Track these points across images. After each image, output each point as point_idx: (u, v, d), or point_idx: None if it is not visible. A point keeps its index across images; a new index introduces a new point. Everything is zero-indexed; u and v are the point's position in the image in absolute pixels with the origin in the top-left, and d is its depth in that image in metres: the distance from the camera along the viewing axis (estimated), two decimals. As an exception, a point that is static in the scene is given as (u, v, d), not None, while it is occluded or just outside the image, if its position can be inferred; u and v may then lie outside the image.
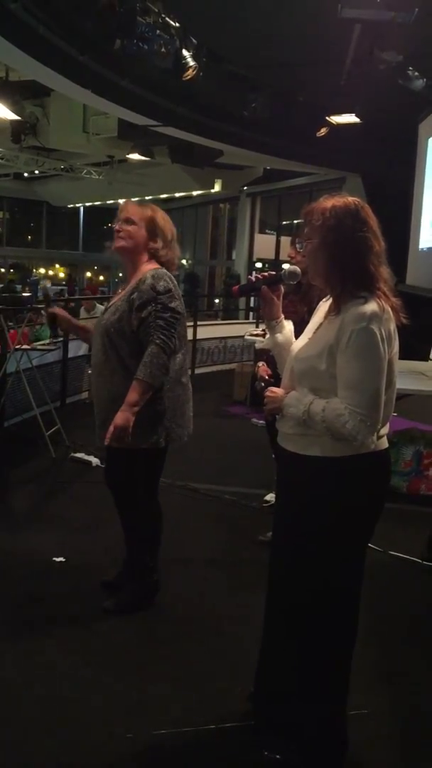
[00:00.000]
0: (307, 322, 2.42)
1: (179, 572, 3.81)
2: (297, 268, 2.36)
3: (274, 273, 2.40)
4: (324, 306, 2.32)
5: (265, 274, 2.45)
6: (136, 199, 18.52)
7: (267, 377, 2.47)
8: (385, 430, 2.24)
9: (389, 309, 2.14)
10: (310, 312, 2.46)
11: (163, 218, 3.25)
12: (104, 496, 3.49)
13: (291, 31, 7.99)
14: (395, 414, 2.30)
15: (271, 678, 2.42)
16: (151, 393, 3.05)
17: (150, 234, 3.20)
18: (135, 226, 3.19)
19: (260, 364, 3.12)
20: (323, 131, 10.53)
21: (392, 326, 2.15)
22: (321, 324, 2.28)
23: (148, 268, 3.18)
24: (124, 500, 3.34)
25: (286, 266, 2.37)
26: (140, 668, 2.93)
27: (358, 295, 2.13)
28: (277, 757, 2.35)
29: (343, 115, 10.01)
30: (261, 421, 7.21)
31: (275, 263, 18.03)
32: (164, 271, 3.18)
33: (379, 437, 2.20)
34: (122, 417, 2.99)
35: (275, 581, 2.41)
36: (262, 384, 2.39)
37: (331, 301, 2.25)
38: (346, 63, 8.14)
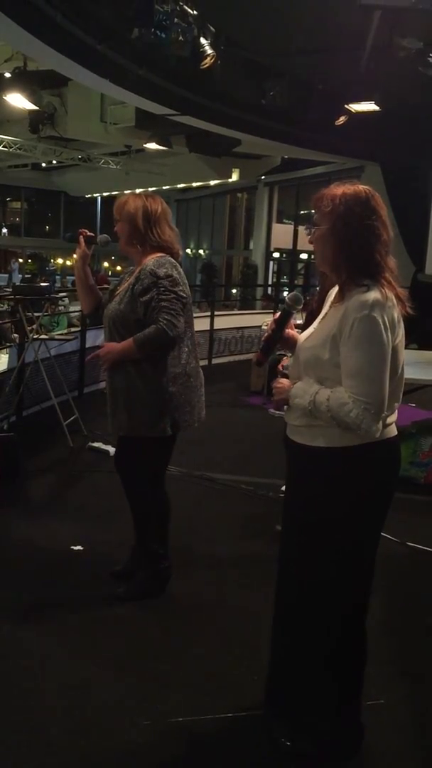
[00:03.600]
0: (315, 312, 2.41)
1: (195, 561, 3.83)
2: (298, 294, 2.34)
3: (281, 313, 2.35)
4: (332, 294, 2.31)
5: (274, 320, 2.38)
6: (153, 188, 18.58)
7: (281, 367, 2.44)
8: (393, 418, 2.23)
9: (393, 297, 2.13)
10: (319, 301, 2.45)
11: (131, 204, 3.21)
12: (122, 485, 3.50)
13: (310, 19, 7.91)
14: (413, 405, 2.29)
15: (284, 668, 2.43)
16: (134, 356, 3.12)
17: (131, 225, 3.20)
18: (120, 224, 3.23)
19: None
20: (342, 119, 10.43)
21: (396, 314, 2.14)
22: (327, 313, 2.27)
23: (152, 257, 3.19)
24: (132, 486, 3.39)
25: (287, 297, 2.34)
26: (154, 656, 2.95)
27: (362, 284, 2.12)
28: (293, 745, 2.36)
29: (363, 103, 9.90)
30: (278, 412, 7.21)
31: (292, 253, 17.98)
32: (167, 259, 3.19)
33: (387, 425, 2.19)
34: (107, 350, 3.19)
35: (284, 571, 2.41)
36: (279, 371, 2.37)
37: (337, 289, 2.24)
38: (366, 50, 8.04)
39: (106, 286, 4.54)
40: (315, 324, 2.32)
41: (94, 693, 2.68)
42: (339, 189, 2.17)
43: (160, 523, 3.40)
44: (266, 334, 2.38)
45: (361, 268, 2.13)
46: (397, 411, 2.26)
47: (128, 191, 17.07)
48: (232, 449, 6.14)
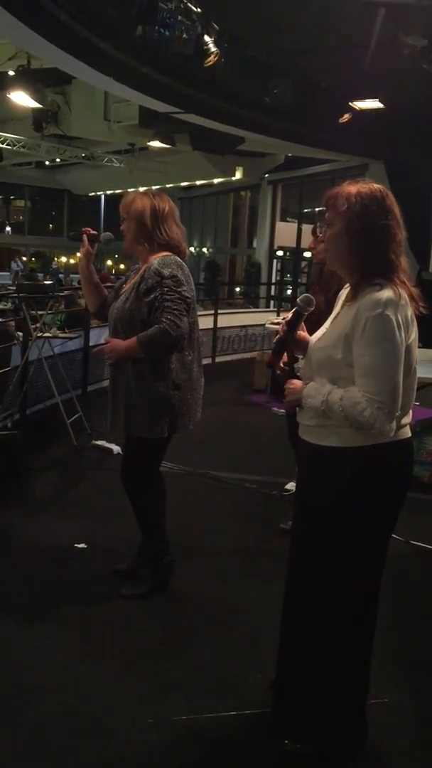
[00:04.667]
0: (325, 312, 2.40)
1: (199, 559, 3.83)
2: (310, 296, 2.30)
3: (292, 314, 2.33)
4: (344, 294, 2.30)
5: (285, 320, 2.35)
6: (156, 187, 18.60)
7: (283, 364, 2.42)
8: (407, 419, 2.22)
9: (406, 296, 2.11)
10: (327, 302, 2.43)
11: (139, 202, 3.19)
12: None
13: (314, 17, 7.89)
14: (417, 403, 2.28)
15: (291, 667, 2.42)
16: (137, 355, 3.10)
17: (139, 223, 3.18)
18: (127, 222, 3.21)
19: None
20: (346, 117, 10.41)
21: (409, 312, 2.12)
22: (339, 313, 2.26)
23: (157, 256, 3.18)
24: (130, 485, 3.39)
25: (298, 299, 2.32)
26: (159, 654, 2.95)
27: (375, 283, 2.10)
28: (298, 746, 2.36)
29: (367, 100, 9.87)
30: (282, 410, 7.21)
31: (296, 251, 17.96)
32: (172, 258, 3.17)
33: (401, 426, 2.18)
34: (113, 345, 3.17)
35: (295, 572, 2.40)
36: (283, 369, 2.35)
37: (349, 288, 2.23)
38: (370, 48, 8.01)
39: (109, 284, 4.53)
40: (327, 324, 2.31)
41: (97, 691, 2.68)
42: (353, 188, 2.15)
43: (156, 518, 3.41)
44: (278, 336, 2.37)
45: (374, 268, 2.12)
46: (411, 412, 2.25)
47: (131, 189, 17.10)
48: (236, 447, 6.13)
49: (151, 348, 3.09)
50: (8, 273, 23.52)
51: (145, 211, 3.17)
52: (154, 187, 18.58)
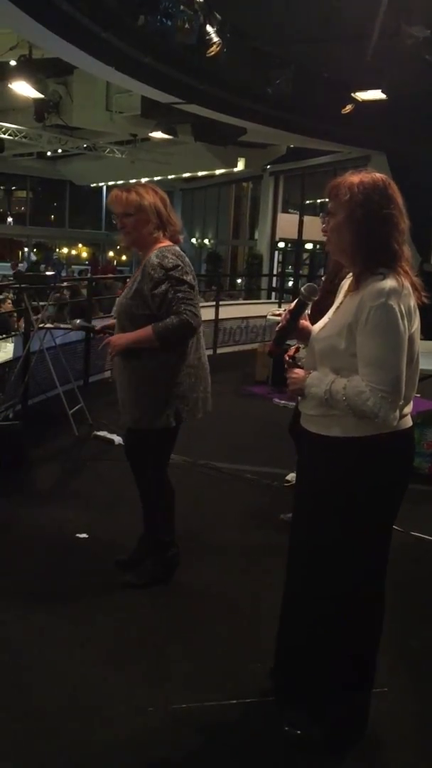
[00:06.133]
0: (324, 302, 2.40)
1: (199, 549, 3.84)
2: (314, 285, 2.31)
3: (295, 304, 2.33)
4: (346, 284, 2.30)
5: (288, 311, 2.36)
6: (158, 178, 18.50)
7: (288, 357, 2.42)
8: (408, 409, 2.22)
9: (409, 285, 2.12)
10: (330, 291, 2.43)
11: (148, 195, 3.18)
12: (126, 474, 3.52)
13: (316, 7, 7.85)
14: (417, 395, 2.29)
15: (294, 655, 2.44)
16: (150, 345, 3.09)
17: (146, 218, 3.17)
18: (132, 217, 3.18)
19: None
20: (348, 108, 10.37)
21: (412, 302, 2.13)
22: (342, 302, 2.26)
23: (156, 248, 3.18)
24: (139, 476, 3.40)
25: (302, 288, 2.32)
26: (161, 643, 2.97)
27: (378, 272, 2.10)
28: (298, 732, 2.38)
29: (369, 91, 9.83)
30: (283, 401, 7.21)
31: (298, 242, 17.93)
32: (168, 248, 3.17)
33: (403, 416, 2.19)
34: (118, 337, 3.18)
35: (296, 561, 2.42)
36: (288, 360, 2.35)
37: (351, 278, 2.23)
38: (373, 38, 7.99)
39: (111, 275, 4.54)
40: (329, 314, 2.31)
41: (99, 680, 2.70)
42: (356, 177, 2.15)
43: (165, 511, 3.42)
44: (280, 324, 2.37)
45: (377, 257, 2.12)
46: (412, 401, 2.25)
47: (133, 180, 17.07)
48: (237, 438, 6.15)
49: (168, 338, 3.08)
50: (24, 264, 23.31)
51: (157, 203, 3.18)
52: (155, 178, 18.63)
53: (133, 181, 20.95)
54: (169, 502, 3.44)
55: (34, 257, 23.36)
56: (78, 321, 3.67)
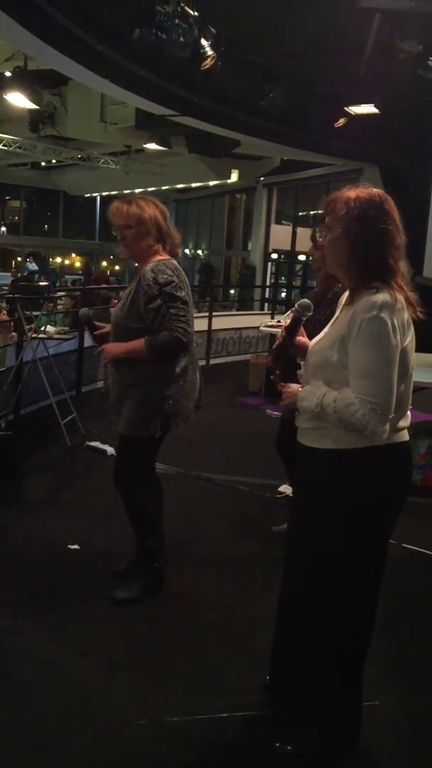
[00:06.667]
0: (321, 317, 2.41)
1: (192, 561, 3.83)
2: (308, 301, 2.32)
3: (291, 320, 2.35)
4: (344, 298, 2.32)
5: (283, 325, 2.37)
6: (152, 189, 18.51)
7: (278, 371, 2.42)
8: (404, 423, 2.22)
9: (403, 300, 2.13)
10: (318, 303, 2.44)
11: (149, 208, 3.20)
12: (119, 484, 3.52)
13: (310, 21, 7.92)
14: (411, 407, 2.30)
15: (284, 668, 2.44)
16: (141, 357, 3.15)
17: (146, 231, 3.19)
18: (132, 230, 3.20)
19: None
20: (341, 122, 10.45)
21: (406, 316, 2.14)
22: (338, 316, 2.27)
23: (153, 260, 3.20)
24: (123, 485, 3.39)
25: (296, 304, 2.34)
26: (152, 656, 2.96)
27: (372, 286, 2.12)
28: (289, 747, 2.37)
29: (362, 105, 9.91)
30: (276, 413, 7.22)
31: (291, 254, 17.98)
32: (165, 262, 3.19)
33: (399, 429, 2.19)
34: (112, 346, 3.26)
35: (291, 574, 2.41)
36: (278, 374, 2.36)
37: (348, 292, 2.24)
38: (366, 53, 8.05)
39: (104, 285, 4.54)
40: (326, 328, 2.33)
41: (90, 692, 2.69)
42: (353, 192, 2.16)
43: (153, 520, 3.42)
44: (277, 342, 2.38)
45: (373, 272, 2.13)
46: (409, 415, 2.26)
47: (127, 191, 17.04)
48: (229, 449, 6.14)
49: (159, 352, 3.14)
50: (23, 274, 23.11)
51: (157, 216, 3.20)
52: (149, 189, 18.67)
53: (127, 191, 21.06)
54: (157, 511, 3.43)
55: (33, 266, 23.22)
56: (88, 310, 3.62)
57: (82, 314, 3.64)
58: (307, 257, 17.56)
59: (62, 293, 10.52)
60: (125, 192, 21.81)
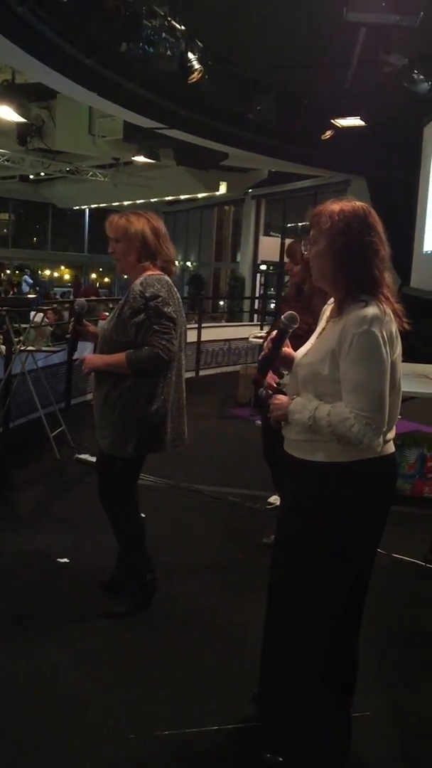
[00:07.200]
0: (313, 331, 2.42)
1: (182, 573, 3.82)
2: (294, 313, 2.30)
3: (276, 332, 2.34)
4: (328, 310, 2.33)
5: (270, 338, 2.37)
6: (141, 201, 18.49)
7: (274, 384, 2.41)
8: (391, 435, 2.24)
9: (390, 312, 2.15)
10: (316, 320, 2.45)
11: (138, 223, 3.18)
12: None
13: (296, 35, 8.00)
14: (399, 417, 2.31)
15: (273, 680, 2.43)
16: (122, 371, 3.11)
17: (142, 244, 3.18)
18: (122, 244, 3.19)
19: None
20: (328, 134, 10.54)
21: (394, 328, 2.15)
22: (324, 328, 2.28)
23: (144, 275, 3.18)
24: (106, 502, 3.38)
25: (282, 317, 2.34)
26: (142, 669, 2.95)
27: (360, 299, 2.13)
28: (280, 759, 2.36)
29: (348, 118, 10.01)
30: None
31: (279, 265, 18.06)
32: (155, 277, 3.16)
33: (386, 441, 2.20)
34: (93, 357, 3.26)
35: (277, 585, 2.41)
36: (268, 391, 2.36)
37: (333, 304, 2.25)
38: (352, 66, 8.14)
39: (93, 297, 4.54)
40: (312, 339, 2.34)
41: (80, 706, 2.67)
42: (336, 205, 2.18)
43: (135, 536, 3.39)
44: (263, 353, 2.38)
45: (359, 284, 2.14)
46: (395, 427, 2.27)
47: (116, 203, 17.04)
48: (219, 461, 6.14)
49: (139, 368, 3.09)
50: (25, 286, 22.84)
51: (146, 231, 3.17)
52: (138, 201, 18.69)
53: (116, 204, 21.09)
54: (140, 528, 3.41)
55: (30, 280, 23.07)
56: (84, 301, 3.56)
57: (78, 303, 3.57)
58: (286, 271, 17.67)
59: (53, 305, 10.47)
60: (114, 204, 21.92)
